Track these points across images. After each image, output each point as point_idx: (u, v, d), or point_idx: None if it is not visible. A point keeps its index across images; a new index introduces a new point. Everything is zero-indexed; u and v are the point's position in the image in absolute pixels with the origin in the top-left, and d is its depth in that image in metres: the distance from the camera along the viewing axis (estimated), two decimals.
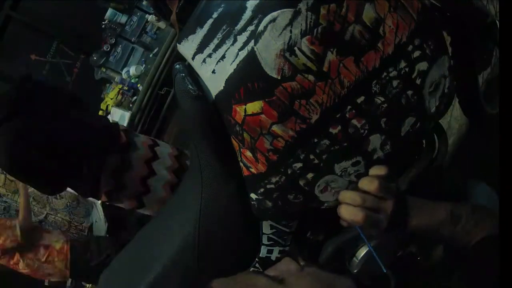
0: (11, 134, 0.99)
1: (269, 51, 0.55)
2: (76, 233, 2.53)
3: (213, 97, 0.60)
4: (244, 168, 0.65)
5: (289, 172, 0.62)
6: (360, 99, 0.58)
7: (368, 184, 0.63)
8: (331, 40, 0.55)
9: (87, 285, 2.34)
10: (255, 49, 0.55)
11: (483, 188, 1.00)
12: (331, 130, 0.59)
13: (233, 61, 0.57)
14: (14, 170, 1.05)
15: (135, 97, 2.53)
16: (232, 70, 0.57)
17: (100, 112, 2.73)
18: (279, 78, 0.55)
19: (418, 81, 0.61)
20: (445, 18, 0.80)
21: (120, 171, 1.11)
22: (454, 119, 1.38)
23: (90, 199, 2.48)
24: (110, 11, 2.62)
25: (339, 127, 0.59)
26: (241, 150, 0.62)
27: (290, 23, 0.54)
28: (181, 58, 0.66)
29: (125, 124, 2.27)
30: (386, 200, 0.63)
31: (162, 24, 2.50)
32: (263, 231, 0.78)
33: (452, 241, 0.66)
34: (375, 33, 0.56)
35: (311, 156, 0.61)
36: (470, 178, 0.98)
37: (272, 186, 0.64)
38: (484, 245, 0.61)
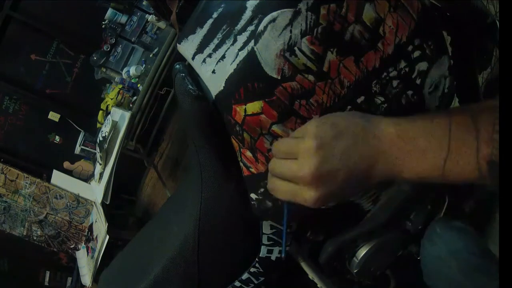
0: None
1: (269, 51, 0.55)
2: (76, 233, 2.53)
3: (213, 97, 0.60)
4: (244, 168, 0.64)
5: None
6: (360, 99, 0.58)
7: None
8: (331, 40, 0.55)
9: (88, 284, 2.33)
10: (255, 49, 0.55)
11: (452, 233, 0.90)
12: None
13: (233, 61, 0.57)
14: None
15: (135, 97, 2.53)
16: (232, 70, 0.57)
17: (100, 112, 2.72)
18: (279, 78, 0.55)
19: (418, 81, 0.61)
20: (445, 18, 0.80)
21: None
22: None
23: (91, 200, 2.48)
24: (110, 11, 2.62)
25: None
26: (241, 150, 0.62)
27: (290, 23, 0.54)
28: (181, 58, 0.65)
29: (125, 124, 2.26)
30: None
31: (162, 24, 2.51)
32: (263, 231, 0.78)
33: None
34: (375, 33, 0.56)
35: None
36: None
37: None
38: None
